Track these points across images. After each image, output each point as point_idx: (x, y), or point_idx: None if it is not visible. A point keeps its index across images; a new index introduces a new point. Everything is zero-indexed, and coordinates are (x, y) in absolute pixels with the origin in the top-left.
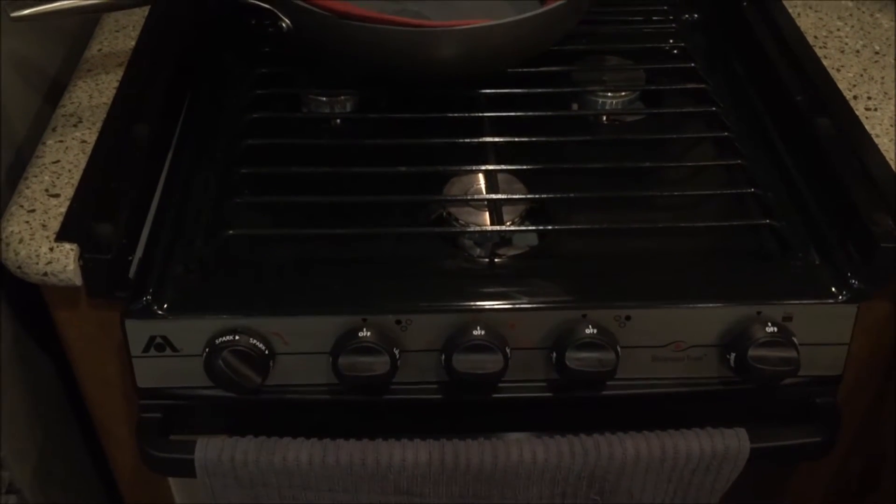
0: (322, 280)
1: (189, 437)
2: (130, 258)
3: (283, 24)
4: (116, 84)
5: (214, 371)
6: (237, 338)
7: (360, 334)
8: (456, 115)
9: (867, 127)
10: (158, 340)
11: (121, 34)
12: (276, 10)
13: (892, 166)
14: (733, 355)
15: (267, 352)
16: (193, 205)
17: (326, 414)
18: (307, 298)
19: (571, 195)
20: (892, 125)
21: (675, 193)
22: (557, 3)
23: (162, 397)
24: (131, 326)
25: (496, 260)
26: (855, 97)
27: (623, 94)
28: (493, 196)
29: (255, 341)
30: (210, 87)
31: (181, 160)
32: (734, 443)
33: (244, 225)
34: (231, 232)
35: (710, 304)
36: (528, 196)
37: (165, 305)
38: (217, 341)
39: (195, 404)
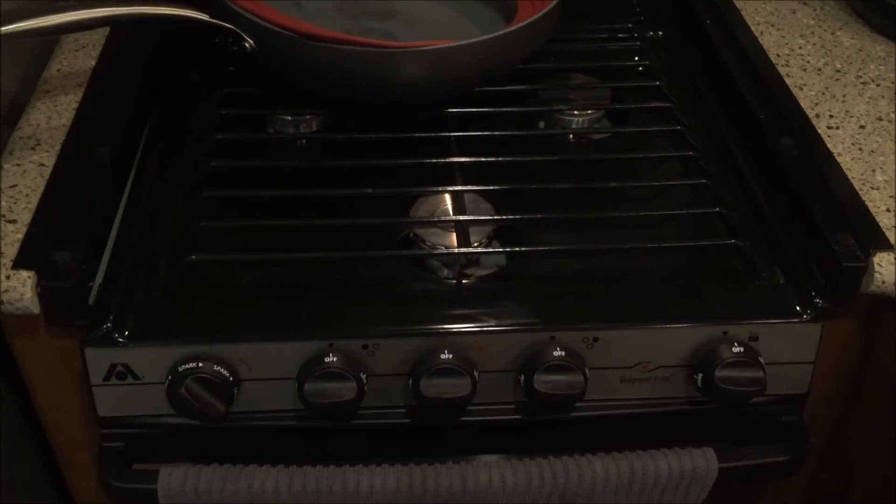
0: (287, 305)
1: (152, 466)
2: (90, 284)
3: (247, 45)
4: (76, 105)
5: (177, 400)
6: (200, 365)
7: (327, 360)
8: (422, 134)
9: (829, 146)
10: (119, 368)
11: (81, 53)
12: (239, 31)
13: (854, 185)
14: (700, 376)
15: (231, 379)
16: (156, 229)
17: (293, 440)
18: (272, 324)
19: (538, 216)
20: (853, 143)
21: (642, 213)
22: (522, 23)
23: (124, 426)
24: (91, 355)
25: (464, 281)
26: (817, 115)
27: (589, 112)
28: (459, 217)
29: (218, 368)
30: (174, 106)
31: (144, 182)
32: (702, 463)
33: (208, 249)
34: (194, 257)
35: (677, 325)
36: (495, 217)
37: (126, 333)
38: (180, 369)
39: (158, 432)
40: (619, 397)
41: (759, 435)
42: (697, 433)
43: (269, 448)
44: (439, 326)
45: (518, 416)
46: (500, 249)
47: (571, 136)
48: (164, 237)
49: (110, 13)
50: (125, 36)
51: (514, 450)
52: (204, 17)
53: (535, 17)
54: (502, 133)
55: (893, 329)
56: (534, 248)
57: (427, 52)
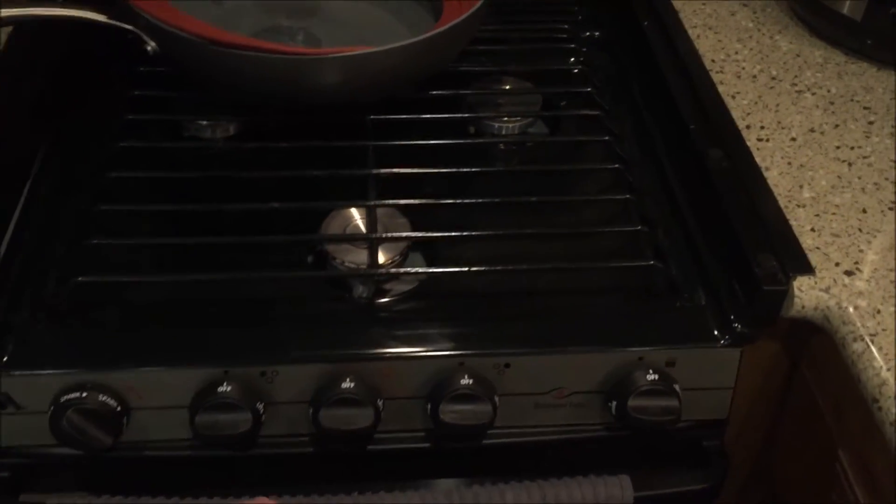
0: (181, 329)
1: (41, 496)
2: None
3: (149, 48)
4: None
5: (60, 432)
6: (85, 395)
7: (220, 389)
8: (339, 143)
9: (758, 159)
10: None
11: None
12: (140, 33)
13: (780, 202)
14: (614, 403)
15: (119, 408)
16: (47, 245)
17: (188, 470)
18: (164, 349)
19: (453, 234)
20: (782, 157)
21: (563, 231)
22: (442, 28)
23: (9, 456)
24: None
25: (378, 300)
26: (748, 126)
27: (518, 119)
28: (371, 235)
29: (105, 398)
30: (80, 111)
31: (39, 194)
32: (617, 491)
33: (100, 267)
34: (81, 279)
35: (592, 350)
36: (407, 234)
37: (6, 359)
38: (62, 399)
39: (47, 462)
40: (532, 424)
41: (678, 461)
42: (614, 460)
43: (163, 477)
44: (343, 351)
45: (426, 444)
46: (411, 269)
47: (501, 144)
48: (53, 254)
49: None
50: (27, 36)
51: (423, 477)
52: (101, 18)
53: (457, 20)
54: (423, 143)
55: (816, 351)
56: (444, 270)
57: (342, 58)
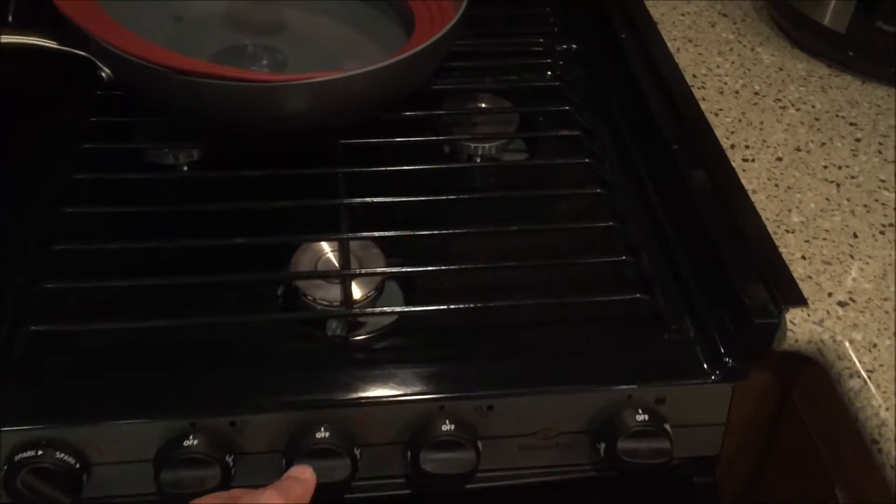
0: (143, 378)
1: None
2: None
3: (103, 74)
4: None
5: (15, 493)
6: (40, 453)
7: (186, 443)
8: (308, 171)
9: (744, 181)
10: None
11: None
12: (93, 59)
13: (769, 227)
14: (603, 445)
15: (78, 465)
16: None
17: None
18: (125, 401)
19: (430, 268)
20: (769, 178)
21: (545, 263)
22: (420, 46)
23: None
24: None
25: (352, 337)
26: (732, 146)
27: (494, 140)
28: (344, 272)
29: (62, 455)
30: (31, 140)
31: None
32: None
33: (55, 314)
34: (34, 328)
35: (578, 390)
36: (380, 270)
37: None
38: (16, 458)
39: None
40: (516, 466)
41: (669, 498)
42: (602, 499)
43: None
44: (317, 397)
45: (407, 490)
46: (387, 309)
47: (478, 168)
48: (4, 300)
49: None
50: None
51: None
52: (52, 44)
53: (433, 39)
54: (398, 168)
55: (809, 381)
56: (422, 309)
57: (309, 84)
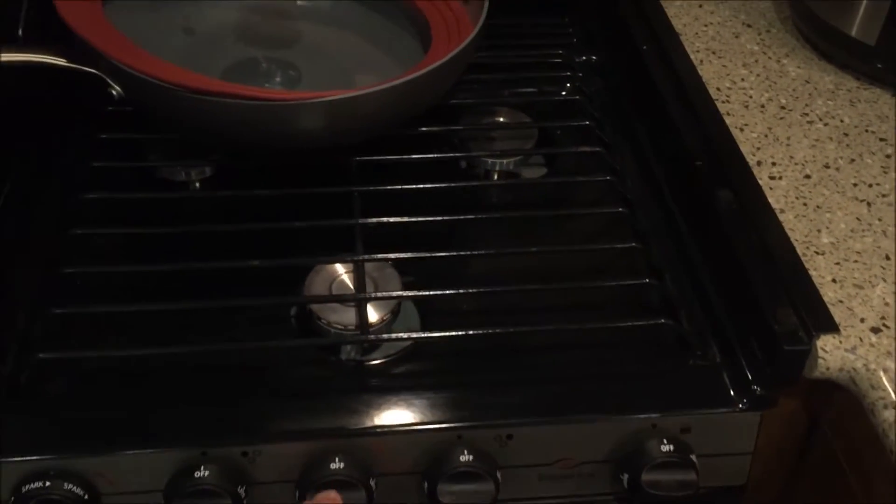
0: (153, 406)
1: None
2: None
3: (114, 92)
4: None
5: None
6: (48, 484)
7: (197, 474)
8: (322, 190)
9: (771, 200)
10: None
11: None
12: (104, 76)
13: (798, 249)
14: (626, 476)
15: (87, 497)
16: (5, 315)
17: None
18: (135, 430)
19: (448, 292)
20: (797, 197)
21: (566, 286)
22: (437, 62)
23: None
24: None
25: (367, 362)
26: (759, 163)
27: (513, 156)
28: (359, 295)
29: (70, 486)
30: (40, 159)
31: None
32: None
33: (64, 341)
34: (42, 355)
35: (600, 419)
36: (395, 294)
37: None
38: (24, 489)
39: None
40: (537, 496)
41: None
42: None
43: None
44: (331, 426)
45: None
46: (403, 335)
47: (496, 186)
48: (13, 325)
49: None
50: None
51: None
52: (61, 61)
53: (450, 55)
54: (414, 187)
55: (840, 408)
56: (439, 334)
57: (324, 103)
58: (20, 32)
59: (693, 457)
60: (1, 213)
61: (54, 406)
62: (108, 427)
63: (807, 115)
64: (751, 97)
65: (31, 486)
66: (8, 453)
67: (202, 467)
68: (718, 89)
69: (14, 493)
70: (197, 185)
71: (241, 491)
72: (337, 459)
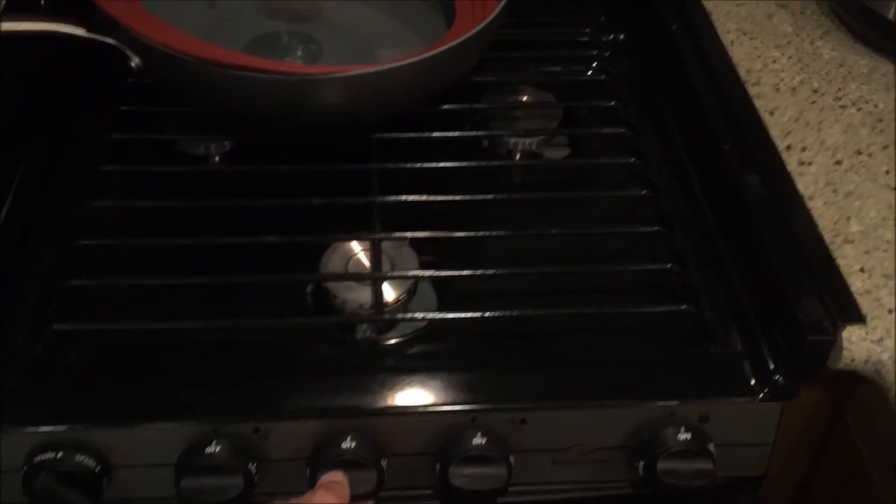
0: (166, 380)
1: None
2: None
3: (133, 63)
4: None
5: (34, 495)
6: (60, 455)
7: (208, 450)
8: (341, 167)
9: (800, 186)
10: None
11: None
12: (122, 47)
13: (826, 237)
14: (642, 464)
15: (98, 468)
16: (20, 287)
17: None
18: (147, 404)
19: (465, 273)
20: (827, 183)
21: (587, 269)
22: (460, 38)
23: None
24: None
25: (383, 341)
26: (788, 147)
27: (536, 136)
28: (375, 274)
29: (82, 458)
30: (59, 131)
31: (12, 227)
32: None
33: (79, 313)
34: (57, 326)
35: (617, 405)
36: (412, 273)
37: None
38: (35, 460)
39: None
40: (550, 481)
41: None
42: None
43: None
44: (344, 405)
45: (436, 502)
46: (417, 315)
47: (517, 167)
48: (28, 297)
49: None
50: None
51: None
52: (80, 31)
53: (474, 31)
54: (434, 166)
55: (864, 400)
56: (455, 316)
57: (344, 78)
58: (42, 2)
59: (711, 446)
60: (19, 185)
61: (68, 378)
62: (121, 400)
63: (839, 99)
64: (782, 80)
65: (44, 456)
66: (21, 424)
67: (214, 443)
68: (749, 71)
69: (27, 464)
70: (216, 159)
71: (252, 467)
72: (349, 438)
